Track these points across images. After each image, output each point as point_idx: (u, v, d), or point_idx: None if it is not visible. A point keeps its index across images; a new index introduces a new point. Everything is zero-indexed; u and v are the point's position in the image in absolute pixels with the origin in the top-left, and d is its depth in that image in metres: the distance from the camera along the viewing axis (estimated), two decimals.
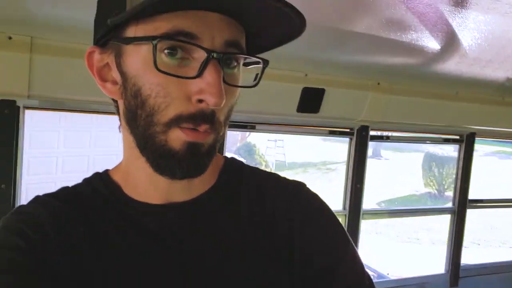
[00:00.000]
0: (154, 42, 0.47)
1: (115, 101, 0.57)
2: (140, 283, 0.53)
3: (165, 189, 0.57)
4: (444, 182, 12.13)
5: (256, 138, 12.22)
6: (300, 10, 0.47)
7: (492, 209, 3.21)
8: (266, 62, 0.53)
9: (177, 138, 0.50)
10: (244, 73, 0.56)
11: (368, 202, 2.49)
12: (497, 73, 1.77)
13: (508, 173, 13.29)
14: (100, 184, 0.60)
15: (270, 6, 0.46)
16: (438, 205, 11.18)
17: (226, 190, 0.62)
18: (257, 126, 2.02)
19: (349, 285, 0.59)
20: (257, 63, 0.54)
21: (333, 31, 1.25)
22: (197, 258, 0.56)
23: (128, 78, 0.51)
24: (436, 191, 12.23)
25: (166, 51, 0.48)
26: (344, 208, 2.31)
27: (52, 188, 0.58)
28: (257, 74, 0.53)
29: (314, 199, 0.66)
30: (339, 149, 12.13)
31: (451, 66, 1.65)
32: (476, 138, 2.67)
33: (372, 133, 2.29)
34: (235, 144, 12.83)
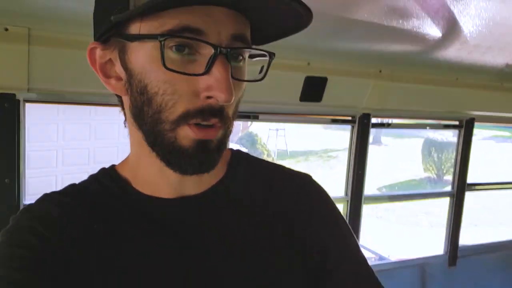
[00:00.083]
0: (162, 40, 0.46)
1: (119, 96, 0.57)
2: (158, 276, 0.53)
3: (176, 183, 0.57)
4: (443, 167, 12.19)
5: (257, 127, 12.21)
6: None
7: (489, 191, 3.25)
8: (272, 55, 0.53)
9: (186, 135, 0.50)
10: (248, 66, 0.55)
11: (369, 187, 2.51)
12: (496, 59, 1.76)
13: (504, 156, 13.39)
14: (109, 180, 0.59)
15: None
16: (437, 189, 11.25)
17: (235, 182, 0.62)
18: (260, 116, 2.00)
19: (354, 279, 0.61)
20: (263, 55, 0.53)
21: (335, 19, 1.24)
22: (212, 251, 0.56)
23: (134, 75, 0.50)
24: (435, 176, 12.31)
25: (173, 48, 0.47)
26: (346, 194, 2.32)
27: (54, 181, 0.58)
28: (262, 67, 0.53)
29: (320, 191, 0.67)
30: (340, 136, 12.16)
31: (452, 53, 1.65)
32: (475, 124, 2.68)
33: (373, 120, 2.30)
34: (236, 134, 12.82)
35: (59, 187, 0.59)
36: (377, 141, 14.53)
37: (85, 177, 0.61)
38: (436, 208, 8.40)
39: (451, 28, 1.32)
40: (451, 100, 2.38)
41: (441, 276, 2.74)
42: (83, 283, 0.51)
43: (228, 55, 0.48)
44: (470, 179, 2.76)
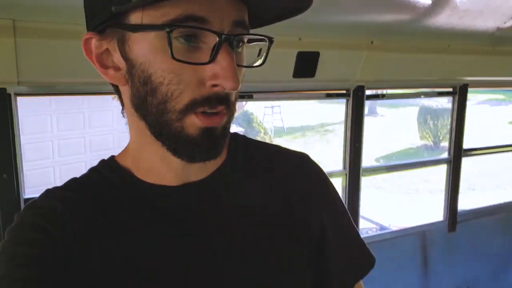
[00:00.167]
0: (168, 30, 0.45)
1: (115, 86, 0.56)
2: (158, 265, 0.54)
3: (181, 170, 0.57)
4: (439, 134, 12.27)
5: (253, 106, 12.17)
6: None
7: (485, 156, 3.28)
8: (272, 39, 0.52)
9: (193, 124, 0.50)
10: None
11: (367, 159, 2.52)
12: (487, 23, 1.76)
13: (499, 120, 13.46)
14: (108, 171, 0.59)
15: None
16: (434, 156, 11.35)
17: (235, 167, 0.62)
18: (255, 95, 1.99)
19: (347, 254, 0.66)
20: (261, 40, 0.53)
21: None
22: (212, 238, 0.57)
23: (136, 65, 0.50)
24: (432, 143, 12.40)
25: (179, 38, 0.47)
26: (344, 167, 2.34)
27: (52, 172, 0.58)
28: (260, 50, 0.53)
29: (318, 171, 0.68)
30: (335, 109, 12.14)
31: (443, 19, 1.64)
32: (468, 89, 2.68)
33: (367, 92, 2.29)
34: None
35: (57, 177, 0.59)
36: (373, 112, 14.55)
37: (83, 166, 0.61)
38: (435, 176, 8.49)
39: None
40: (444, 67, 2.38)
41: (441, 242, 2.79)
42: (85, 277, 0.51)
43: (232, 42, 0.48)
44: (466, 145, 2.78)
